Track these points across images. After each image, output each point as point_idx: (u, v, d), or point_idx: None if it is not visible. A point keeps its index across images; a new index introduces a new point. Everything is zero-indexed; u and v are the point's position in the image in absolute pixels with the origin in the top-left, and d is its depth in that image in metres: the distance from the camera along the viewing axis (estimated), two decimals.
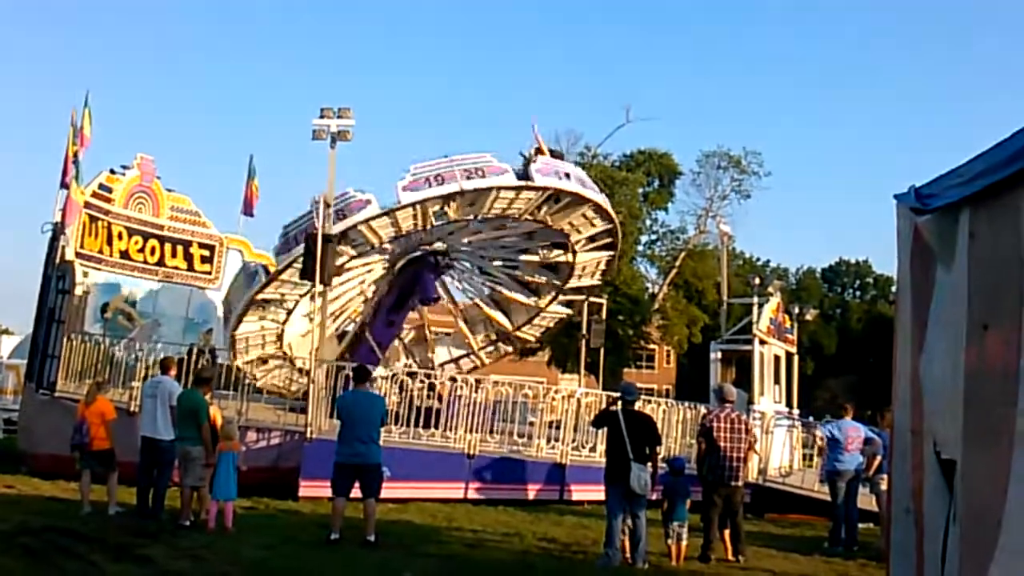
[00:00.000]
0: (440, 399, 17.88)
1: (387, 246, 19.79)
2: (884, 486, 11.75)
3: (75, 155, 19.22)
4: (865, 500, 14.63)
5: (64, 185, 19.37)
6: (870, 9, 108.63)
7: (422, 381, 17.69)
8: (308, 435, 15.89)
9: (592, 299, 26.51)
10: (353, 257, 19.45)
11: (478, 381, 17.83)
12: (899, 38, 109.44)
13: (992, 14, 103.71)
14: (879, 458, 13.64)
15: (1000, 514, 4.51)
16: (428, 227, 18.98)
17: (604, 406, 11.85)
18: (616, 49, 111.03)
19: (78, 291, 19.20)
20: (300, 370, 20.54)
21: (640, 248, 49.41)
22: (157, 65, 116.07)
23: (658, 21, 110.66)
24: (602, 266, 23.67)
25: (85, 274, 19.93)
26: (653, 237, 50.52)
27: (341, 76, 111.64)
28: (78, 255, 19.92)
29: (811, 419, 22.26)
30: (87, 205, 20.35)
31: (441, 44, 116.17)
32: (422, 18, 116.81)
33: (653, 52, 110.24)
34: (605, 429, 11.33)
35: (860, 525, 14.29)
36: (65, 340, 18.21)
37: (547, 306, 24.34)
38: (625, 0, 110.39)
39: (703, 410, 16.82)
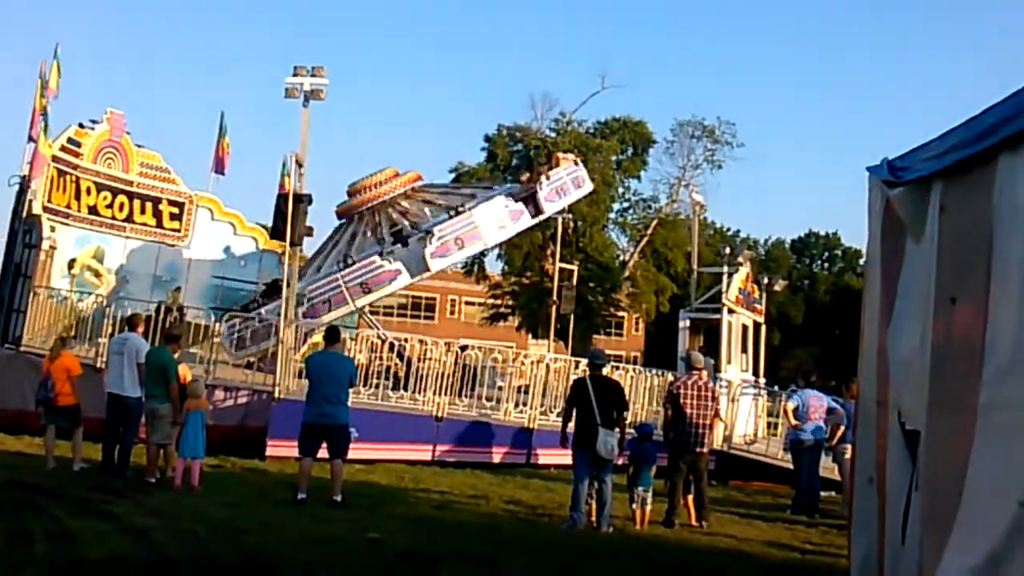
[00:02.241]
0: (409, 363, 17.91)
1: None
2: (847, 455, 11.90)
3: (43, 108, 18.93)
4: (828, 469, 14.83)
5: (31, 139, 19.10)
6: None
7: (392, 345, 17.73)
8: (276, 395, 15.88)
9: (563, 265, 26.61)
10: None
11: (448, 344, 17.84)
12: (874, 10, 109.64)
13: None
14: (842, 428, 13.81)
15: (962, 485, 4.59)
16: None
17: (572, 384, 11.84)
18: (592, 15, 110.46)
19: (45, 246, 18.97)
20: None
21: (612, 216, 49.48)
22: (127, 18, 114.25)
23: None
24: None
25: (52, 229, 19.68)
26: (625, 205, 50.62)
27: (314, 34, 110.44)
28: (45, 209, 19.67)
29: (776, 388, 22.47)
30: (55, 159, 20.06)
31: (415, 6, 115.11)
32: None
33: (629, 19, 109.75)
34: (572, 393, 11.36)
35: (822, 493, 14.50)
36: (31, 295, 18.03)
37: None
38: None
39: (671, 377, 16.94)
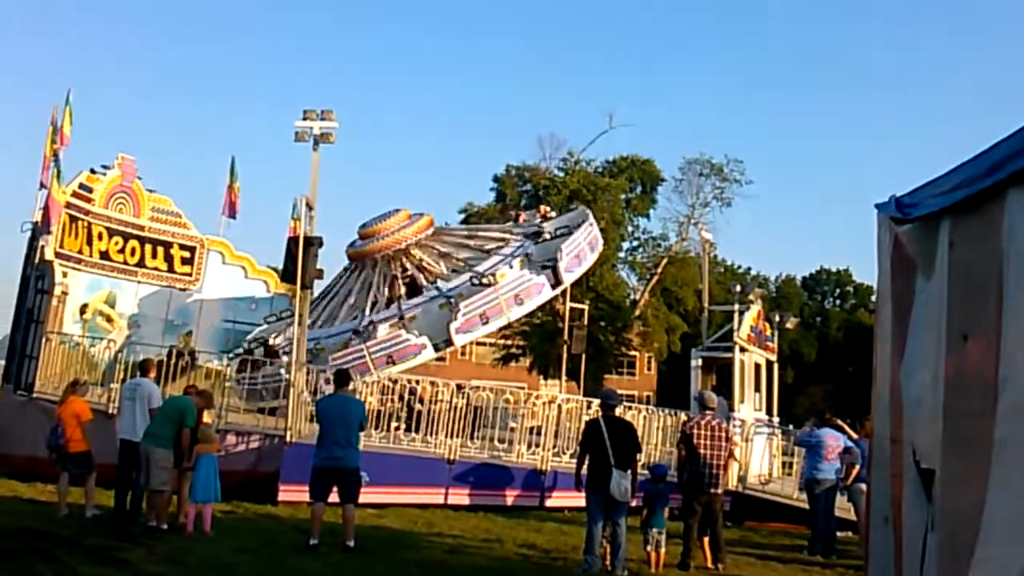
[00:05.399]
0: (421, 402, 17.87)
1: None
2: (863, 495, 11.80)
3: (55, 154, 19.10)
4: (844, 509, 14.68)
5: (43, 185, 19.25)
6: (854, 22, 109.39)
7: (404, 385, 17.73)
8: (288, 439, 15.82)
9: (574, 305, 26.60)
10: None
11: (460, 386, 17.80)
12: (883, 49, 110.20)
13: (976, 27, 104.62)
14: (857, 467, 13.70)
15: (978, 523, 4.53)
16: None
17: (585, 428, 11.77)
18: (600, 56, 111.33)
19: (57, 291, 19.06)
20: None
21: (621, 255, 49.50)
22: (139, 65, 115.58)
23: (642, 29, 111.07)
24: None
25: (64, 274, 19.78)
26: (635, 244, 50.67)
27: (326, 78, 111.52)
28: (58, 255, 19.80)
29: (790, 427, 22.34)
30: (67, 205, 20.22)
31: (425, 50, 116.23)
32: (407, 22, 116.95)
33: (637, 59, 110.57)
34: (585, 435, 11.29)
35: (838, 533, 14.36)
36: (43, 341, 18.08)
37: None
38: (610, 10, 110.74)
39: (684, 417, 16.84)
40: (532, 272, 21.20)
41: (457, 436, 16.91)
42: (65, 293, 19.78)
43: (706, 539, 11.86)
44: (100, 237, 21.86)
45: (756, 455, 19.25)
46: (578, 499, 12.55)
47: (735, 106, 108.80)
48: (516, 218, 25.62)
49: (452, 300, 20.51)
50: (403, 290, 21.85)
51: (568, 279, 21.76)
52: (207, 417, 12.47)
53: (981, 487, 4.53)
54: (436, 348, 19.74)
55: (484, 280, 20.53)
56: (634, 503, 11.12)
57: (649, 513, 11.32)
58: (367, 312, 21.56)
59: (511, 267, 21.25)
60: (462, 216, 46.26)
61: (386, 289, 22.01)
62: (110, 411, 15.50)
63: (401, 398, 17.93)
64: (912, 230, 6.03)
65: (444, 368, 60.46)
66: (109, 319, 22.26)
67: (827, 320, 77.94)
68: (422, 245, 22.63)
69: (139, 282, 22.94)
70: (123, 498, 12.34)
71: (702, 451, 11.67)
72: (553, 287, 21.44)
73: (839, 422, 15.31)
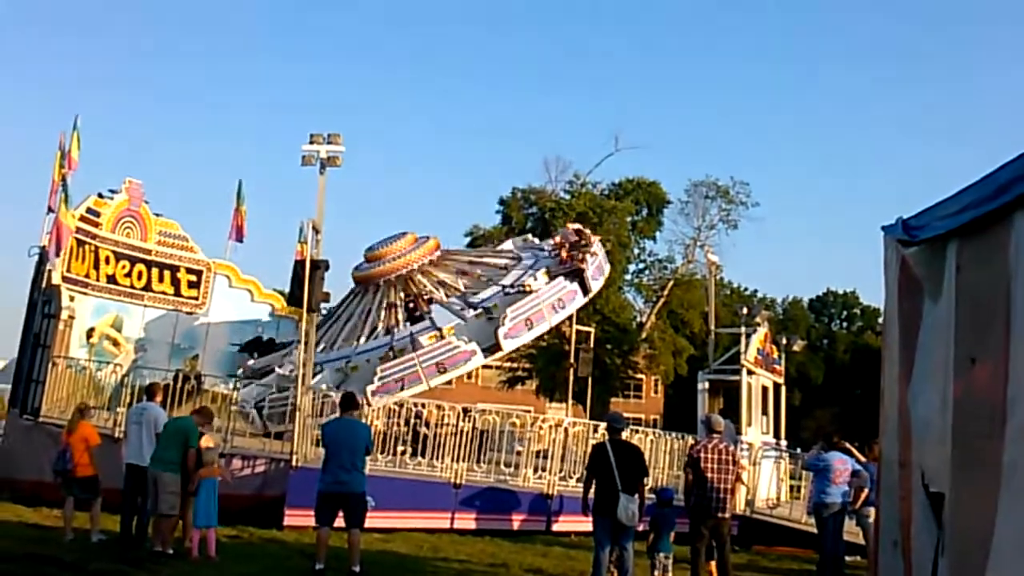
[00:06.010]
0: (427, 426, 17.83)
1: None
2: (871, 519, 11.73)
3: (63, 179, 19.17)
4: (852, 533, 14.60)
5: (50, 209, 19.31)
6: (858, 39, 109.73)
7: (410, 409, 17.69)
8: (293, 463, 15.77)
9: (580, 328, 26.58)
10: None
11: (466, 410, 17.74)
12: (888, 71, 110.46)
13: (983, 48, 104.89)
14: (866, 491, 13.62)
15: (988, 547, 4.50)
16: None
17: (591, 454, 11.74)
18: (606, 79, 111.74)
19: (64, 315, 19.09)
20: None
21: (628, 277, 49.48)
22: (145, 88, 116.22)
23: (650, 50, 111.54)
24: None
25: (71, 298, 19.83)
26: (641, 266, 50.69)
27: (332, 99, 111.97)
28: (64, 279, 19.84)
29: (798, 451, 22.23)
30: (76, 229, 20.29)
31: (429, 70, 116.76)
32: (412, 37, 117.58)
33: (644, 81, 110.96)
34: (592, 459, 11.25)
35: (847, 558, 14.25)
36: (50, 365, 18.09)
37: None
38: (617, 28, 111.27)
39: (691, 441, 16.76)
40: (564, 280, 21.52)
41: (463, 460, 16.85)
42: (72, 317, 19.81)
43: (714, 564, 11.79)
44: (107, 261, 21.92)
45: (764, 479, 19.13)
46: (585, 523, 12.48)
47: (742, 128, 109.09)
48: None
49: (489, 309, 20.77)
50: (402, 317, 21.81)
51: (595, 287, 22.42)
52: (208, 440, 12.41)
53: (991, 511, 4.50)
54: (485, 353, 19.98)
55: (523, 288, 20.88)
56: (641, 527, 11.06)
57: (656, 538, 11.27)
58: (363, 340, 21.53)
59: (535, 279, 21.45)
60: (468, 239, 46.36)
61: (384, 315, 21.98)
62: (116, 435, 15.48)
63: (407, 422, 17.89)
64: (919, 252, 6.02)
65: (450, 391, 60.23)
66: (116, 343, 22.27)
67: (834, 343, 77.69)
68: (425, 271, 22.62)
69: (146, 306, 22.96)
70: (129, 523, 12.31)
71: (709, 475, 11.61)
72: (584, 295, 22.01)
73: (847, 445, 15.23)
